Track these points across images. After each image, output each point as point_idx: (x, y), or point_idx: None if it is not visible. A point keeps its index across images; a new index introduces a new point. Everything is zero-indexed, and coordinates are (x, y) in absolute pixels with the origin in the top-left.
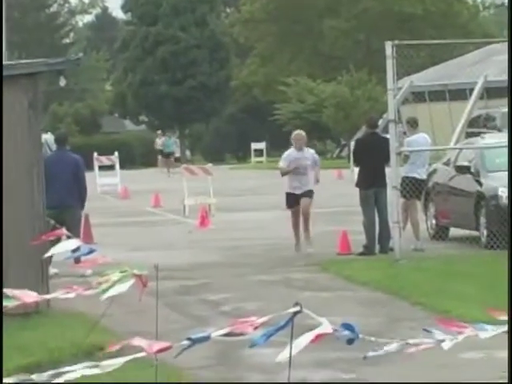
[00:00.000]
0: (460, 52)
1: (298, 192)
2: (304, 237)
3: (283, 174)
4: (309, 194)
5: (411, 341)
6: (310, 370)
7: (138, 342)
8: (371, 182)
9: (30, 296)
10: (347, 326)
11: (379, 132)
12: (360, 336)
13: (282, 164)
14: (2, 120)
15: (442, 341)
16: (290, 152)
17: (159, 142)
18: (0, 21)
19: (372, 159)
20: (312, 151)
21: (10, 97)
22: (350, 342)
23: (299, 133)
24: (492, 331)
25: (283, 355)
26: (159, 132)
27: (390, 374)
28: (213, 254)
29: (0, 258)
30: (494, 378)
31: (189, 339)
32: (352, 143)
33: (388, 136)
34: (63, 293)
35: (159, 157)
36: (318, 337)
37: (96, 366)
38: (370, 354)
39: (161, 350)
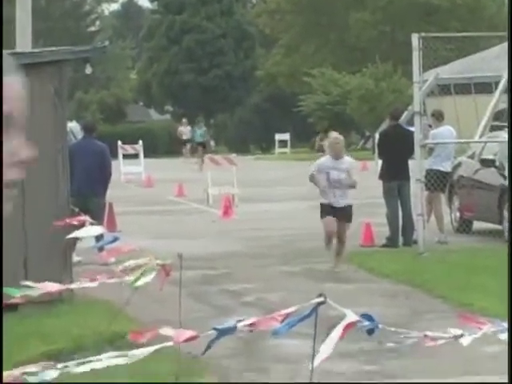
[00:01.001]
0: (486, 45)
1: (335, 205)
2: (335, 260)
3: (312, 181)
4: (347, 214)
5: (429, 333)
6: (333, 361)
7: (165, 331)
8: (394, 175)
9: (51, 286)
10: (367, 317)
11: (402, 124)
12: (380, 326)
13: (313, 169)
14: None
15: (460, 336)
16: (325, 161)
17: (184, 130)
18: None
19: (395, 152)
20: (349, 160)
21: (36, 84)
22: (371, 332)
23: (337, 138)
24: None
25: (319, 358)
26: (184, 120)
27: (411, 366)
28: (235, 244)
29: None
30: None
31: (215, 329)
32: (376, 135)
33: (412, 128)
34: (87, 281)
35: (187, 146)
36: (346, 329)
37: (123, 356)
38: (390, 344)
39: (188, 340)
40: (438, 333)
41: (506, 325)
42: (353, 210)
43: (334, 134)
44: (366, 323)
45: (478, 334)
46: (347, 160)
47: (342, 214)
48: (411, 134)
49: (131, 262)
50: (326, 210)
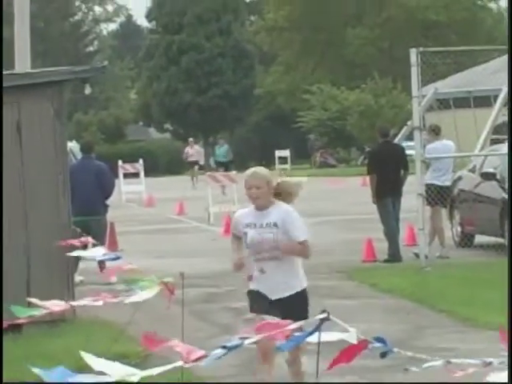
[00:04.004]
0: (484, 59)
1: (265, 292)
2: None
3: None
4: (295, 312)
5: (454, 360)
6: (336, 378)
7: (176, 345)
8: (388, 191)
9: (58, 305)
10: (380, 340)
11: (391, 140)
12: (395, 350)
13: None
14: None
15: (489, 363)
16: (244, 212)
17: (191, 151)
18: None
19: (387, 168)
20: (285, 208)
21: (35, 105)
22: (383, 355)
23: (255, 173)
24: None
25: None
26: (191, 140)
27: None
28: None
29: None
30: None
31: (224, 347)
32: None
33: (412, 143)
34: (90, 300)
35: (195, 168)
36: (356, 350)
37: (133, 374)
38: (413, 369)
39: (197, 360)
40: (463, 359)
41: None
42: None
43: (252, 170)
44: (378, 345)
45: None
46: (282, 208)
47: (280, 310)
48: (402, 148)
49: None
50: (254, 300)
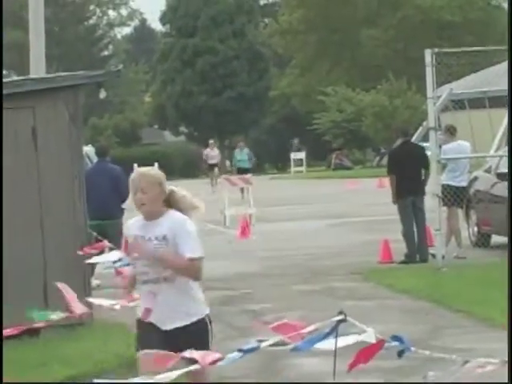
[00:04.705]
0: (499, 59)
1: (156, 321)
2: None
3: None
4: (193, 345)
5: (474, 360)
6: (353, 378)
7: (190, 354)
8: (408, 191)
9: (78, 307)
10: (397, 338)
11: (411, 140)
12: (413, 349)
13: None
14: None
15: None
16: (132, 222)
17: (212, 153)
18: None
19: (407, 168)
20: (179, 218)
21: (51, 109)
22: (401, 353)
23: (143, 174)
24: None
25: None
26: (211, 142)
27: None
28: (253, 264)
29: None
30: None
31: (240, 351)
32: None
33: (426, 144)
34: (108, 303)
35: (215, 171)
36: (373, 350)
37: (150, 380)
38: (431, 374)
39: (214, 362)
40: (482, 359)
41: None
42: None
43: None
44: (395, 344)
45: None
46: (174, 216)
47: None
48: (422, 148)
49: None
50: (145, 336)
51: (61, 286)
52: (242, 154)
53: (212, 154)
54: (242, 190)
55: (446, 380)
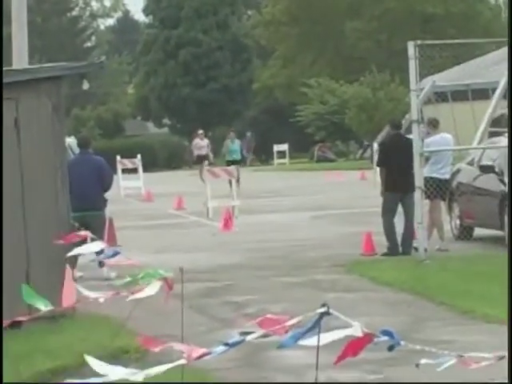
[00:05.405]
0: (482, 52)
1: None
2: None
3: None
4: None
5: (467, 355)
6: (336, 371)
7: (178, 346)
8: (397, 185)
9: (68, 298)
10: (387, 333)
11: (402, 133)
12: (402, 343)
13: None
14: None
15: (503, 357)
16: None
17: (202, 143)
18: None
19: (398, 162)
20: None
21: (34, 100)
22: (391, 348)
23: None
24: None
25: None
26: (201, 132)
27: (418, 375)
28: (236, 256)
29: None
30: None
31: (226, 344)
32: (375, 144)
33: (410, 136)
34: (95, 296)
35: (204, 163)
36: (362, 343)
37: (136, 373)
38: (423, 361)
39: (200, 357)
40: (476, 353)
41: None
42: None
43: None
44: (385, 338)
45: None
46: None
47: None
48: (412, 142)
49: (138, 278)
50: None
51: (67, 270)
52: (234, 145)
53: (201, 143)
54: (230, 181)
55: (437, 368)
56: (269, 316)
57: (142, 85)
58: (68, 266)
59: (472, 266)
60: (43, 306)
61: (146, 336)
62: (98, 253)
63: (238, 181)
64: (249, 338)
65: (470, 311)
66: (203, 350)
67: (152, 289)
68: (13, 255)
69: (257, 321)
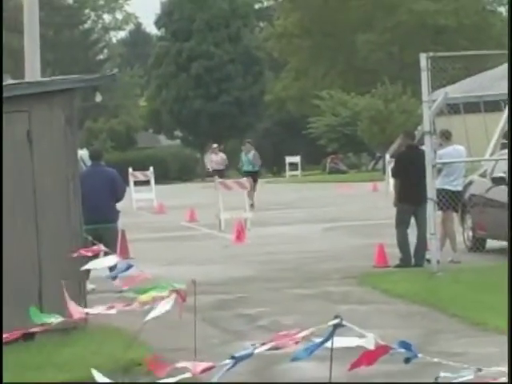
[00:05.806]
0: (494, 63)
1: None
2: None
3: None
4: None
5: (485, 369)
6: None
7: (182, 364)
8: (411, 197)
9: (76, 311)
10: (404, 345)
11: (416, 145)
12: (419, 355)
13: None
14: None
15: None
16: None
17: (216, 158)
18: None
19: (412, 173)
20: None
21: (46, 113)
22: (407, 360)
23: None
24: None
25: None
26: (215, 146)
27: None
28: (249, 268)
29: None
30: None
31: (232, 358)
32: (387, 156)
33: (422, 148)
34: (105, 309)
35: (216, 178)
36: (378, 354)
37: None
38: (442, 374)
39: (205, 370)
40: (494, 367)
41: None
42: None
43: None
44: (401, 350)
45: None
46: None
47: None
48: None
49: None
50: None
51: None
52: (248, 157)
53: (216, 159)
54: (252, 199)
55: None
56: (282, 333)
57: (153, 97)
58: (63, 283)
59: (484, 278)
60: (53, 319)
61: (153, 358)
62: (112, 268)
63: (253, 190)
64: (257, 350)
65: (482, 323)
66: (208, 364)
67: (167, 304)
68: (25, 268)
69: (272, 345)
